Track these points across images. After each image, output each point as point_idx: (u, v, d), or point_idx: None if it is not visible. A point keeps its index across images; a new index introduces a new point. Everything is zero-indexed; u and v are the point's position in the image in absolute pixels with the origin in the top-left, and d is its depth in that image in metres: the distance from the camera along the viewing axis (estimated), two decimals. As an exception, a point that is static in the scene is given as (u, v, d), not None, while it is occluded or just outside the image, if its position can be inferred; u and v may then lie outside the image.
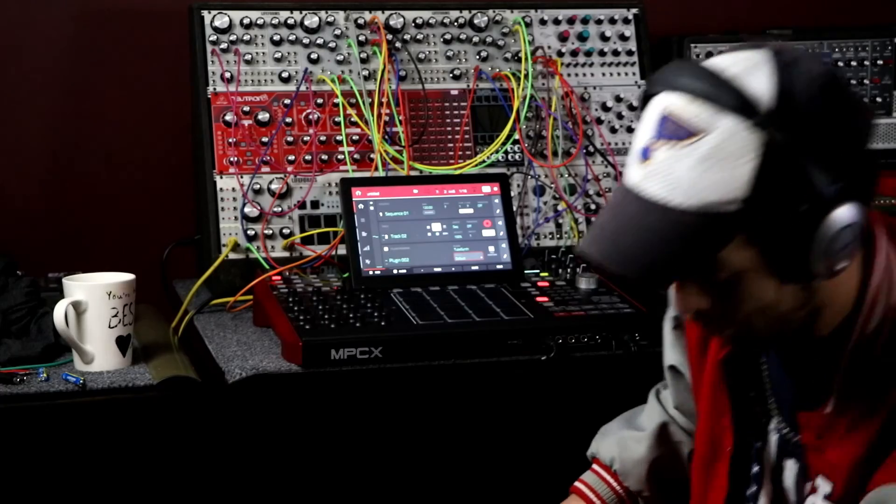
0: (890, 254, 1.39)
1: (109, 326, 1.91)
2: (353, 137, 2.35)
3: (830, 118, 1.28)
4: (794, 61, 1.30)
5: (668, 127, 1.30)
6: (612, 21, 2.52)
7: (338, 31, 2.40)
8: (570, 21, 2.51)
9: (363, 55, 2.39)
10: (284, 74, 2.36)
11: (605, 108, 2.47)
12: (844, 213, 1.28)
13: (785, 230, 1.29)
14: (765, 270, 1.32)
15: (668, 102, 1.31)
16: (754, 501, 1.52)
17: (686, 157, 1.28)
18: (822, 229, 1.28)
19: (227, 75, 2.34)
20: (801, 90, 1.28)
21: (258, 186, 2.29)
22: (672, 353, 1.71)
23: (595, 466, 1.78)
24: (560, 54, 2.48)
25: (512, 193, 2.32)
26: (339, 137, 2.34)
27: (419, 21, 2.44)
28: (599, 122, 2.46)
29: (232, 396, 1.92)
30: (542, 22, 2.49)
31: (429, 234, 2.21)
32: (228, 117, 2.32)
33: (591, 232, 1.36)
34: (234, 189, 2.29)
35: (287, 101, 2.34)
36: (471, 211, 2.24)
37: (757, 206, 1.27)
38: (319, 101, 2.36)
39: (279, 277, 2.16)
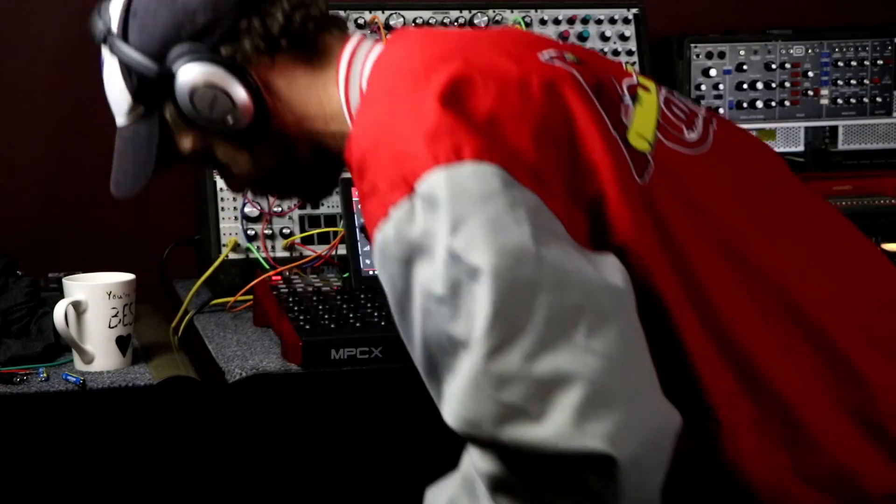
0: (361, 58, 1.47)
1: (109, 326, 1.91)
2: (353, 137, 2.35)
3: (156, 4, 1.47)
4: None
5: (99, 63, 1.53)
6: (612, 21, 2.52)
7: (338, 31, 2.40)
8: (570, 21, 2.51)
9: (363, 55, 2.39)
10: (284, 74, 2.35)
11: (605, 108, 2.47)
12: (184, 83, 1.45)
13: (177, 109, 1.48)
14: (218, 139, 1.51)
15: None
16: None
17: (106, 84, 1.53)
18: (182, 101, 1.47)
19: (227, 75, 2.33)
20: None
21: (258, 186, 2.29)
22: None
23: None
24: (560, 54, 2.48)
25: (512, 193, 2.31)
26: (339, 137, 2.34)
27: (419, 21, 2.44)
28: (599, 122, 2.46)
29: (232, 396, 1.92)
30: (542, 22, 2.49)
31: (429, 234, 2.20)
32: (228, 117, 2.32)
33: None
34: (234, 189, 2.29)
35: (287, 101, 2.34)
36: (471, 211, 2.23)
37: (147, 101, 1.50)
38: (319, 101, 2.35)
39: (279, 277, 2.15)
